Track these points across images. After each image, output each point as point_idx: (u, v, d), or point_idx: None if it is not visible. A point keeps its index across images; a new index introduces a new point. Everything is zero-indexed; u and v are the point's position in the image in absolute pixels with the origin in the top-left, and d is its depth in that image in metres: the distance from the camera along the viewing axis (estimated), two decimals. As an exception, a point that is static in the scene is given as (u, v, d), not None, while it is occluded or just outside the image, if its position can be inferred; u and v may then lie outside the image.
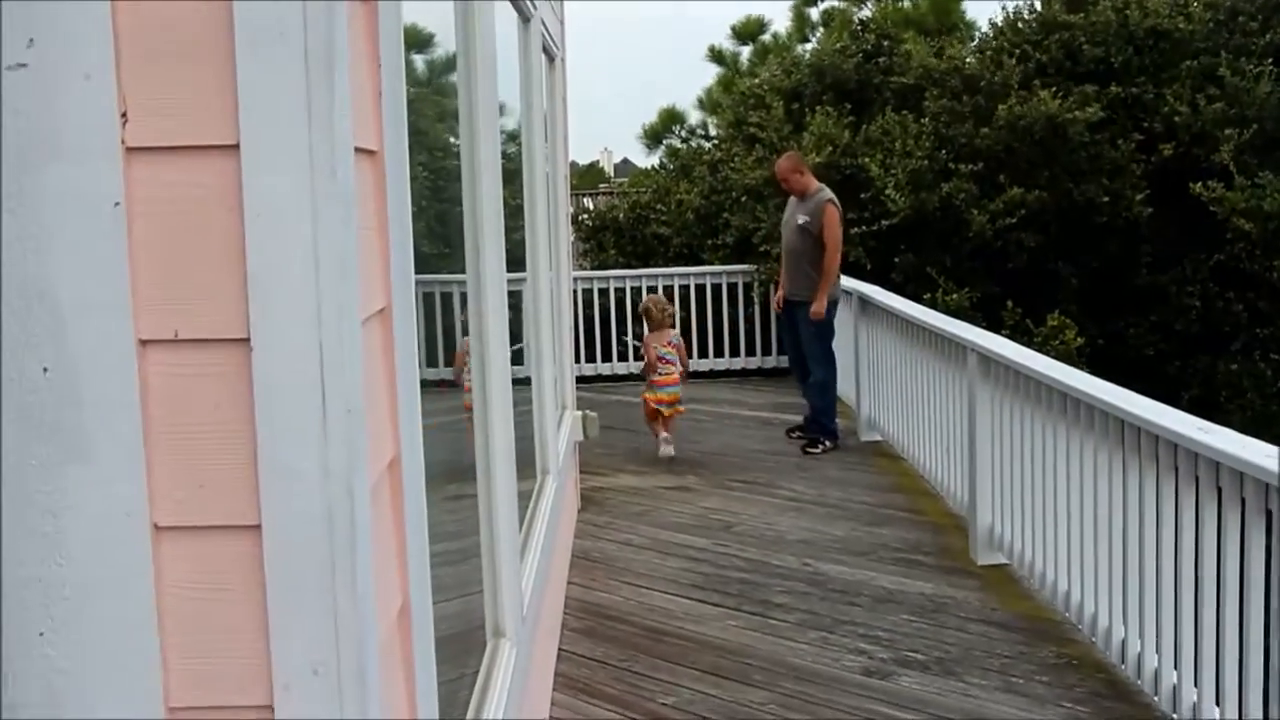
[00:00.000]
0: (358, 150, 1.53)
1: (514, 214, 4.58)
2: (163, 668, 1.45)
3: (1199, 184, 10.52)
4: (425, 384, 2.27)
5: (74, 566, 1.43)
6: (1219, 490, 3.79)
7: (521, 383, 4.54)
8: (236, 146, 1.40)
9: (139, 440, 1.42)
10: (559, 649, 4.98)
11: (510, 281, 3.65)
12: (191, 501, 1.44)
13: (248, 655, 1.45)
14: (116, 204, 1.40)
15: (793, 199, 8.57)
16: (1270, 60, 11.12)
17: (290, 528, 1.44)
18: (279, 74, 1.39)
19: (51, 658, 1.44)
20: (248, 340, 1.42)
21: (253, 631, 1.45)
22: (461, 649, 2.86)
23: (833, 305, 8.42)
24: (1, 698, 1.44)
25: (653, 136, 18.47)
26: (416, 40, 2.96)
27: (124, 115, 1.39)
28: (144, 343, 1.43)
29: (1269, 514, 3.49)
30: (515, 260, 4.48)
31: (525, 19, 4.75)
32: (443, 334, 3.01)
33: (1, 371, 1.42)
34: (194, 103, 1.40)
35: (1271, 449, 3.59)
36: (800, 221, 8.34)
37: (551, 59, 6.28)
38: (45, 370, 1.41)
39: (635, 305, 11.55)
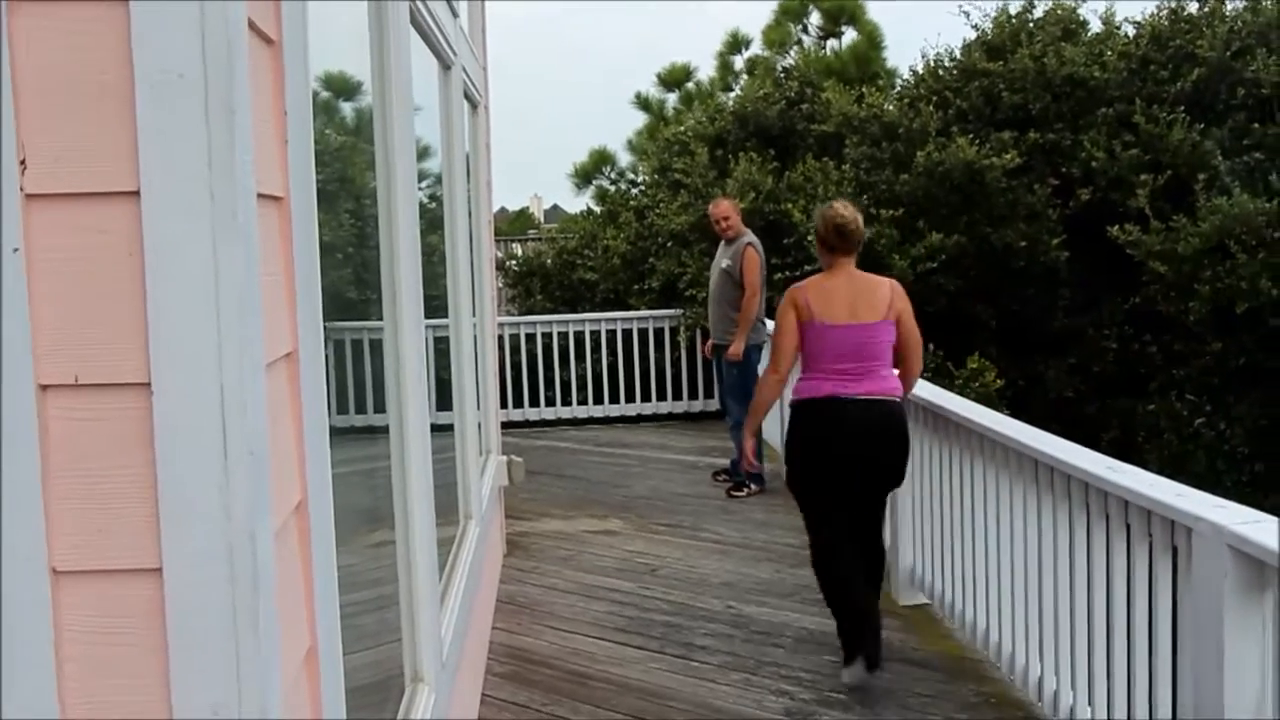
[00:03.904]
0: (261, 196, 1.54)
1: (436, 259, 4.59)
2: (60, 713, 1.44)
3: (1116, 227, 10.76)
4: (340, 430, 2.27)
5: (-30, 612, 1.42)
6: (1128, 528, 3.87)
7: (443, 428, 4.54)
8: (137, 193, 1.41)
9: (37, 485, 1.42)
10: (483, 694, 4.95)
11: (433, 326, 3.66)
12: (91, 545, 1.44)
13: (147, 698, 1.45)
14: (15, 250, 1.40)
15: (722, 244, 8.66)
16: (1182, 108, 11.44)
17: (192, 570, 1.44)
18: (179, 120, 1.40)
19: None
20: (148, 384, 1.42)
21: (153, 674, 1.45)
22: (379, 694, 2.85)
23: (755, 349, 8.49)
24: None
25: (583, 176, 18.50)
26: (346, 88, 2.98)
27: (23, 163, 1.40)
28: (44, 388, 1.43)
29: (1174, 550, 3.56)
30: (437, 305, 4.48)
31: (446, 66, 4.78)
32: (355, 381, 3.01)
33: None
34: (94, 150, 1.41)
35: (1180, 487, 3.67)
36: (724, 265, 8.46)
37: (474, 105, 6.31)
38: (-58, 415, 1.41)
39: (562, 350, 11.58)
